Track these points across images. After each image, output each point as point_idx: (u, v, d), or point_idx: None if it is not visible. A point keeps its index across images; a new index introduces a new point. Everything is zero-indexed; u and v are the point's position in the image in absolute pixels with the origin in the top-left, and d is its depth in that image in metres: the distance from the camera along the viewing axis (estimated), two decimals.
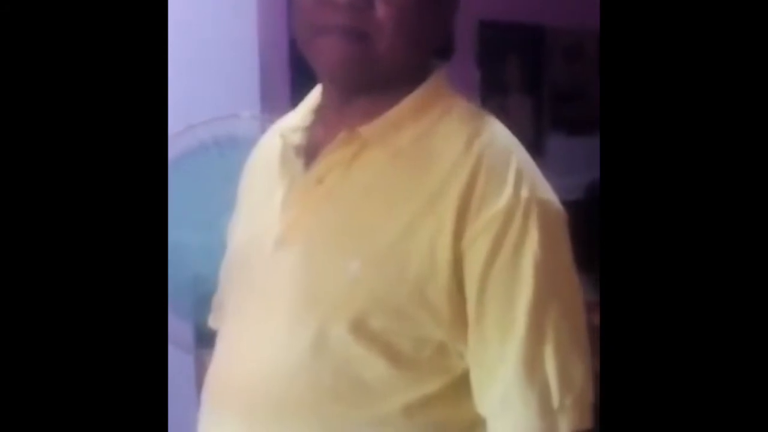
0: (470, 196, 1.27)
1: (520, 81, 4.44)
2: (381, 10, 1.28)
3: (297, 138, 1.41)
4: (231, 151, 2.19)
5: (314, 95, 1.45)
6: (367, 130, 1.33)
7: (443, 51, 1.42)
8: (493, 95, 4.16)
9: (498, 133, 1.35)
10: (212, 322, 1.58)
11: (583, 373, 1.28)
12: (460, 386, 1.30)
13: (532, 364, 1.26)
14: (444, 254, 1.26)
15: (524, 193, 1.28)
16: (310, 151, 1.39)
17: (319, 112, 1.43)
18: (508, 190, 1.27)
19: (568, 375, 1.26)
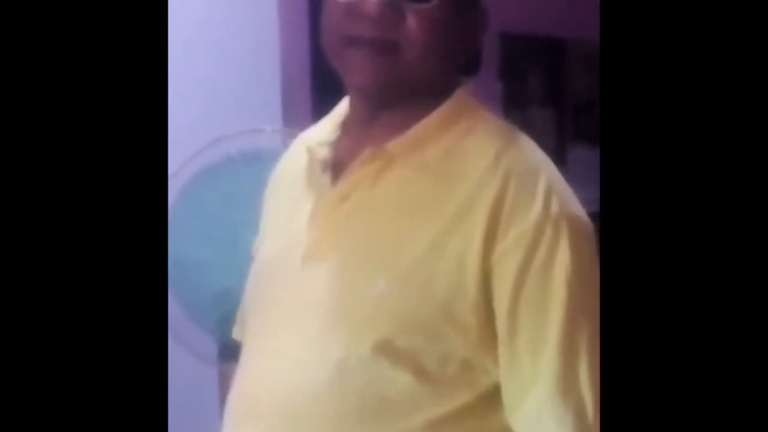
0: (499, 212, 1.26)
1: (542, 93, 4.44)
2: (411, 23, 1.29)
3: (323, 152, 1.41)
4: (255, 165, 2.20)
5: (340, 109, 1.45)
6: (393, 145, 1.33)
7: (470, 66, 1.42)
8: (514, 107, 4.16)
9: (526, 149, 1.35)
10: (236, 334, 1.57)
11: None
12: (486, 401, 1.29)
13: (566, 380, 1.26)
14: (472, 270, 1.26)
15: (554, 208, 1.27)
16: (336, 167, 1.39)
17: (346, 126, 1.42)
18: (537, 206, 1.27)
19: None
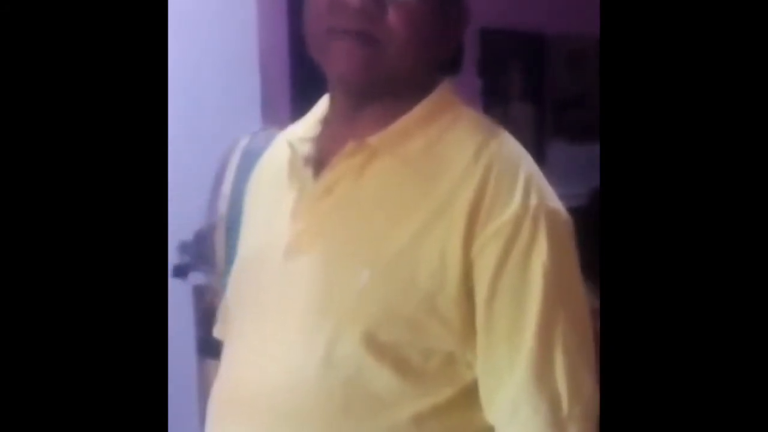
0: (479, 204, 1.27)
1: (522, 88, 4.44)
2: (393, 17, 1.29)
3: (305, 148, 1.41)
4: None
5: (322, 105, 1.45)
6: (375, 139, 1.34)
7: (452, 64, 1.42)
8: (495, 103, 4.17)
9: (506, 143, 1.36)
10: (217, 333, 1.57)
11: (591, 382, 1.27)
12: (470, 395, 1.30)
13: (542, 371, 1.26)
14: (454, 262, 1.27)
15: (533, 201, 1.28)
16: (318, 161, 1.39)
17: (327, 122, 1.43)
18: (516, 199, 1.28)
19: (577, 383, 1.27)
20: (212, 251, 2.45)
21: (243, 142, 2.38)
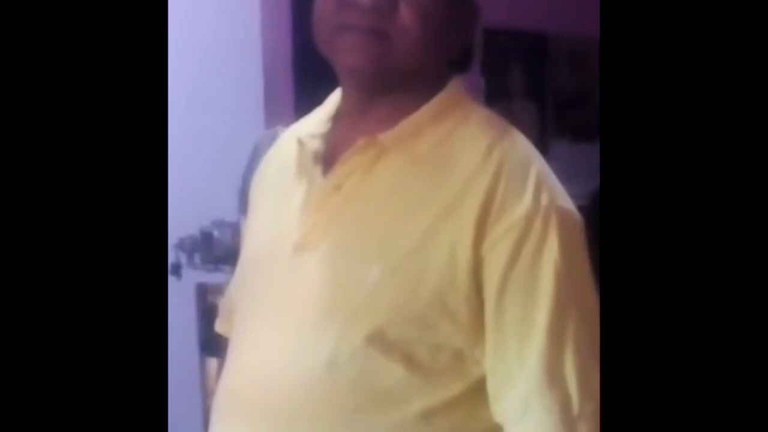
0: (491, 202, 1.27)
1: (524, 88, 4.45)
2: (404, 14, 1.29)
3: (315, 144, 1.41)
4: None
5: (330, 103, 1.45)
6: (385, 136, 1.33)
7: (462, 63, 1.42)
8: (497, 102, 4.17)
9: (517, 142, 1.36)
10: (219, 327, 1.57)
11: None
12: (477, 392, 1.30)
13: (553, 370, 1.26)
14: (464, 260, 1.27)
15: (544, 200, 1.28)
16: (328, 158, 1.39)
17: (337, 118, 1.43)
18: (528, 197, 1.28)
19: (587, 382, 1.26)
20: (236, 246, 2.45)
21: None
